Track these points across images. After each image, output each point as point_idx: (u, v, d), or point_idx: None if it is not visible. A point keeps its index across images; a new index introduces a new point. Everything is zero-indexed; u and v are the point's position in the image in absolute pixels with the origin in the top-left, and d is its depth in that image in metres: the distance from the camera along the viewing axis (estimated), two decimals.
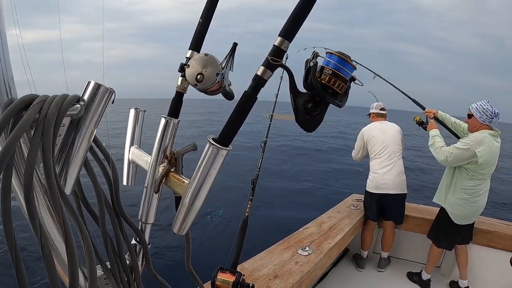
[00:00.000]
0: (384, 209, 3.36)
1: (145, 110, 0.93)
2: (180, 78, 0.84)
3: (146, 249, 0.85)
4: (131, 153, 0.91)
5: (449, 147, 2.85)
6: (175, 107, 0.88)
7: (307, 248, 2.37)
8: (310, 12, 0.65)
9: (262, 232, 4.68)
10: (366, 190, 3.46)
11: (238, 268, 2.07)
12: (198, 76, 0.77)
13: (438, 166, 3.15)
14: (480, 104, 2.77)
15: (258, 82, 0.67)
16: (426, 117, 3.22)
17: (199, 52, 0.87)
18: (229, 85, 0.81)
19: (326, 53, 0.78)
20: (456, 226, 2.93)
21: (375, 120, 3.73)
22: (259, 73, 0.67)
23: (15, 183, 0.54)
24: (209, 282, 1.57)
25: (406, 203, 3.44)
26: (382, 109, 3.75)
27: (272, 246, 2.40)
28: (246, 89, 0.68)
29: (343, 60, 0.76)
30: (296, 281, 2.01)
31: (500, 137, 2.83)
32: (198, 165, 0.69)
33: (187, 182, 0.73)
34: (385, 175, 3.30)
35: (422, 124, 3.26)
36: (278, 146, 15.38)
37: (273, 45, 0.66)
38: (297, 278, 2.03)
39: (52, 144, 0.54)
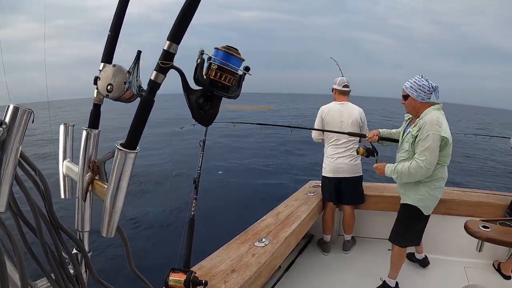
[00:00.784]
0: (342, 192, 3.43)
1: (74, 125, 0.96)
2: (96, 91, 0.87)
3: (86, 257, 0.88)
4: (64, 167, 0.94)
5: (415, 157, 2.50)
6: (94, 118, 0.91)
7: (263, 240, 2.42)
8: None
9: (223, 230, 4.77)
10: (322, 175, 3.50)
11: (196, 267, 2.10)
12: (108, 87, 0.81)
13: None
14: (415, 81, 2.50)
15: (153, 86, 0.72)
16: (371, 143, 3.08)
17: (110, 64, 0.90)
18: (142, 90, 0.83)
19: (214, 49, 0.82)
20: (426, 218, 2.74)
21: (338, 98, 3.55)
22: (152, 77, 0.71)
23: None
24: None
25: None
26: (345, 86, 3.53)
27: (230, 241, 2.43)
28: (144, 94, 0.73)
29: (228, 54, 0.80)
30: (254, 272, 2.06)
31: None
32: (112, 170, 0.74)
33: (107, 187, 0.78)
34: (340, 159, 3.36)
35: (371, 153, 3.04)
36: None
37: (163, 49, 0.70)
38: (254, 269, 2.08)
39: None
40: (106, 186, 0.80)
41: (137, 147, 0.73)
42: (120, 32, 0.89)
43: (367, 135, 3.16)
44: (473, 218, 2.22)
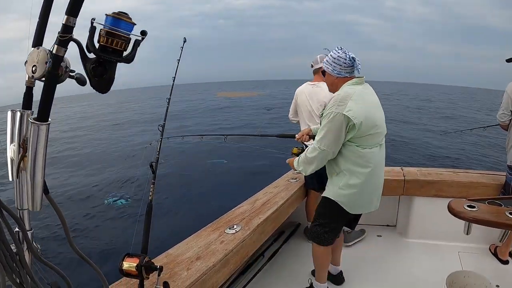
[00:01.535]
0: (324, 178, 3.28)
1: (19, 110, 0.97)
2: (26, 74, 0.89)
3: (25, 234, 0.89)
4: (11, 151, 0.95)
5: (314, 143, 2.21)
6: (27, 100, 0.93)
7: (235, 227, 2.32)
8: None
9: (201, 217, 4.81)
10: None
11: (162, 255, 2.03)
12: (33, 68, 0.82)
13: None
14: (331, 55, 2.16)
15: (55, 59, 0.77)
16: (303, 143, 2.81)
17: None
18: (70, 71, 0.85)
19: (105, 15, 0.82)
20: (347, 216, 2.28)
21: (315, 79, 3.26)
22: (54, 51, 0.76)
23: None
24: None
25: None
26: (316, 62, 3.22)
27: (201, 229, 2.34)
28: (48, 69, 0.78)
29: (116, 19, 0.81)
30: (219, 259, 1.96)
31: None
32: (28, 144, 0.81)
33: None
34: None
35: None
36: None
37: (62, 23, 0.74)
38: (220, 256, 1.98)
39: None
40: None
41: (49, 119, 0.79)
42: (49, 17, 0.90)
43: (296, 136, 2.80)
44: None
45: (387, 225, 3.60)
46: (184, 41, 2.32)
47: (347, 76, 2.15)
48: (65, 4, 0.82)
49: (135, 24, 0.85)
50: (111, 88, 0.89)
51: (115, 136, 17.56)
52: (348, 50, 2.12)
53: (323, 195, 2.33)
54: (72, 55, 0.82)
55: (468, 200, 2.09)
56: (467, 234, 2.03)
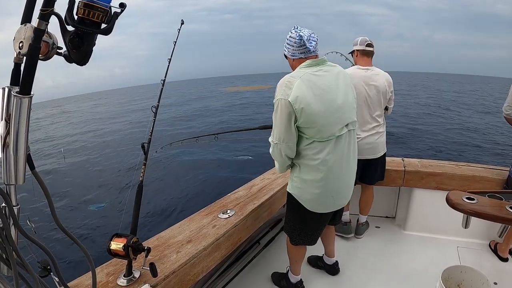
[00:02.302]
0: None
1: (7, 86, 0.96)
2: (14, 51, 0.90)
3: (11, 210, 0.89)
4: (1, 128, 0.95)
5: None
6: (15, 76, 0.91)
7: (228, 211, 2.29)
8: None
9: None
10: None
11: (154, 238, 2.02)
12: (20, 44, 0.83)
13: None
14: (286, 38, 1.95)
15: (37, 34, 0.78)
16: None
17: None
18: (57, 47, 0.87)
19: None
20: (313, 215, 2.08)
21: (360, 61, 2.88)
22: (35, 25, 0.77)
23: None
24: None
25: None
26: (368, 45, 2.83)
27: (195, 213, 2.32)
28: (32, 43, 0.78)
29: None
30: (209, 243, 1.94)
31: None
32: (10, 117, 0.81)
33: None
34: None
35: None
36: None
37: None
38: (210, 240, 1.96)
39: None
40: None
41: (31, 92, 0.81)
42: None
43: None
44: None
45: (386, 217, 3.56)
46: (182, 23, 2.27)
47: (302, 58, 1.91)
48: None
49: None
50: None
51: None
52: (303, 28, 1.90)
53: (286, 189, 2.17)
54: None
55: (468, 192, 2.03)
56: (465, 227, 1.98)
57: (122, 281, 1.61)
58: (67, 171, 10.60)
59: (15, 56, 0.89)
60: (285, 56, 2.02)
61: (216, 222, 2.16)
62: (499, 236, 2.84)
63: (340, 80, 1.93)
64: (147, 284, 1.59)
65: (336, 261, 2.69)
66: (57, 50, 0.86)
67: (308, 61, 1.89)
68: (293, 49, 1.90)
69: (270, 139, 1.97)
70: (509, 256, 2.84)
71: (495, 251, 2.89)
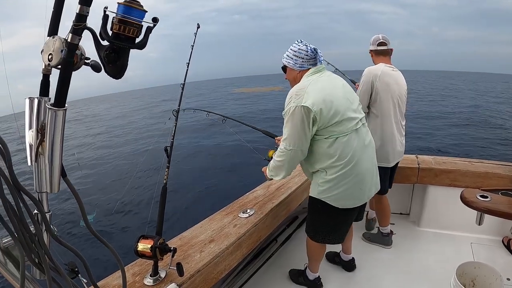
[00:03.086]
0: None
1: (37, 97, 1.01)
2: (43, 62, 0.92)
3: (44, 216, 0.92)
4: (29, 137, 0.99)
5: (279, 146, 2.08)
6: (44, 87, 0.96)
7: (248, 211, 2.37)
8: None
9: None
10: None
11: (176, 238, 2.10)
12: (49, 56, 0.85)
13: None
14: (291, 48, 2.07)
15: (70, 48, 0.79)
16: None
17: None
18: (85, 58, 0.88)
19: (117, 3, 0.84)
20: (341, 212, 2.11)
21: (377, 61, 2.82)
22: (68, 39, 0.79)
23: None
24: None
25: None
26: (380, 43, 2.79)
27: (215, 213, 2.39)
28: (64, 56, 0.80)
29: (128, 7, 0.83)
30: (231, 242, 2.01)
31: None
32: (45, 129, 0.84)
33: None
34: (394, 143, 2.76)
35: None
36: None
37: (76, 13, 0.76)
38: (232, 239, 2.03)
39: None
40: None
41: (65, 105, 0.83)
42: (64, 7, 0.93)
43: (277, 136, 2.54)
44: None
45: (400, 213, 3.59)
46: (198, 27, 2.33)
47: (308, 68, 2.05)
48: None
49: (146, 12, 0.87)
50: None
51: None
52: (309, 43, 2.04)
53: (309, 194, 2.21)
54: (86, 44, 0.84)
55: (481, 190, 2.07)
56: (479, 224, 2.02)
57: (148, 281, 1.69)
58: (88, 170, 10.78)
59: (44, 67, 0.93)
60: (285, 69, 2.15)
61: (237, 222, 2.24)
62: None
63: (339, 81, 2.10)
64: (173, 283, 1.66)
65: (353, 258, 2.75)
66: (85, 61, 0.87)
67: (311, 69, 2.04)
68: (302, 61, 2.03)
69: (282, 147, 2.02)
70: None
71: (508, 247, 2.91)
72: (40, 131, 0.90)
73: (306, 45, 2.03)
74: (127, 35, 0.85)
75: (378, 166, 2.26)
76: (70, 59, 0.80)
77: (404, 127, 2.85)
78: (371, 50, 2.86)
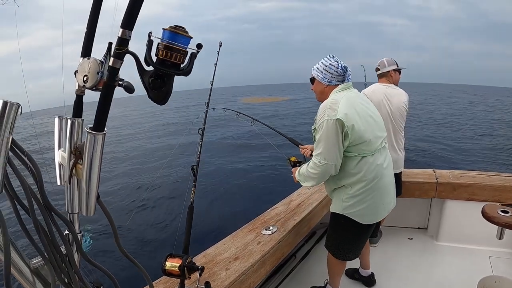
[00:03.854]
0: None
1: (67, 117, 1.02)
2: (76, 83, 0.93)
3: (75, 237, 0.93)
4: (59, 156, 1.00)
5: (312, 159, 2.10)
6: (77, 108, 0.97)
7: (271, 228, 2.39)
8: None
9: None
10: None
11: (200, 255, 2.13)
12: (84, 78, 0.85)
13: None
14: (322, 62, 2.11)
15: (112, 72, 0.78)
16: (304, 155, 2.54)
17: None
18: (121, 80, 0.88)
19: (162, 29, 0.84)
20: (364, 227, 2.17)
21: (379, 81, 3.11)
22: (110, 63, 0.78)
23: None
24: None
25: None
26: (376, 69, 3.15)
27: (238, 230, 2.43)
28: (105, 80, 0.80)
29: (174, 33, 0.84)
30: (256, 260, 2.04)
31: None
32: (84, 152, 0.83)
33: None
34: None
35: (300, 165, 2.42)
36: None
37: (117, 36, 0.76)
38: (257, 257, 2.06)
39: None
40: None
41: (105, 129, 0.82)
42: (97, 28, 0.94)
43: (301, 144, 2.61)
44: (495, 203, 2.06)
45: (418, 228, 3.59)
46: (220, 45, 2.39)
47: (337, 84, 2.11)
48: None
49: (192, 38, 0.87)
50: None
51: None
52: (341, 60, 2.10)
53: (331, 210, 2.25)
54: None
55: (502, 205, 2.08)
56: (499, 238, 2.03)
57: None
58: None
59: (77, 88, 0.93)
60: (312, 80, 2.19)
61: (261, 239, 2.27)
62: None
63: (366, 99, 2.22)
64: None
65: (372, 273, 2.75)
66: (119, 82, 0.85)
67: (341, 86, 2.09)
68: (330, 76, 2.08)
69: (315, 161, 2.04)
70: None
71: None
72: (74, 153, 0.90)
73: (337, 61, 2.08)
74: (173, 61, 0.85)
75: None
76: (112, 83, 0.80)
77: (400, 141, 3.00)
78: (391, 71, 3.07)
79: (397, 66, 3.08)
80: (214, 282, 1.83)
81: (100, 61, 0.85)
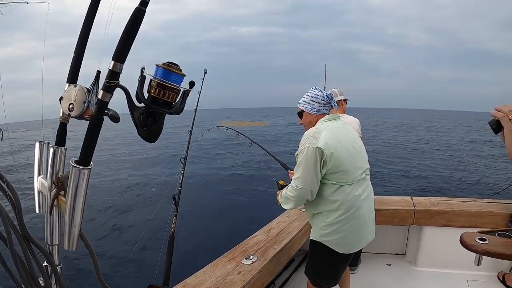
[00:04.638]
0: None
1: (49, 143, 0.98)
2: (61, 110, 0.89)
3: (55, 269, 0.91)
4: (39, 183, 0.97)
5: (291, 182, 2.16)
6: (61, 136, 0.93)
7: (251, 257, 2.35)
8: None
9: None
10: None
11: (179, 285, 2.06)
12: (70, 106, 0.83)
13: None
14: (307, 94, 2.22)
15: (101, 106, 0.76)
16: (291, 179, 2.38)
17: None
18: (108, 109, 0.85)
19: (155, 65, 0.82)
20: (342, 256, 2.16)
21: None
22: (100, 97, 0.75)
23: None
24: None
25: None
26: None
27: (217, 259, 2.37)
28: (94, 113, 0.77)
29: (167, 71, 0.81)
30: None
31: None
32: (67, 186, 0.80)
33: None
34: None
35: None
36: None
37: (108, 69, 0.73)
38: (238, 287, 2.01)
39: None
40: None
41: (91, 163, 0.79)
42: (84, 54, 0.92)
43: (291, 169, 2.56)
44: (470, 230, 2.11)
45: (396, 254, 3.62)
46: (205, 72, 2.41)
47: (324, 113, 2.21)
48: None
49: (185, 76, 0.84)
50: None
51: None
52: (320, 88, 2.24)
53: (310, 237, 2.25)
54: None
55: (479, 232, 2.13)
56: (477, 265, 2.06)
57: None
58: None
59: (62, 115, 0.89)
60: (300, 114, 2.28)
61: (241, 269, 2.22)
62: (510, 271, 2.91)
63: (351, 130, 2.27)
64: None
65: None
66: (105, 112, 0.82)
67: (327, 116, 2.19)
68: (318, 106, 2.18)
69: (293, 184, 2.09)
70: None
71: (503, 281, 2.97)
72: (56, 183, 0.87)
73: (321, 91, 2.20)
74: (164, 99, 0.82)
75: None
76: (100, 117, 0.77)
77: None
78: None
79: (345, 97, 3.47)
80: None
81: (87, 89, 0.82)
